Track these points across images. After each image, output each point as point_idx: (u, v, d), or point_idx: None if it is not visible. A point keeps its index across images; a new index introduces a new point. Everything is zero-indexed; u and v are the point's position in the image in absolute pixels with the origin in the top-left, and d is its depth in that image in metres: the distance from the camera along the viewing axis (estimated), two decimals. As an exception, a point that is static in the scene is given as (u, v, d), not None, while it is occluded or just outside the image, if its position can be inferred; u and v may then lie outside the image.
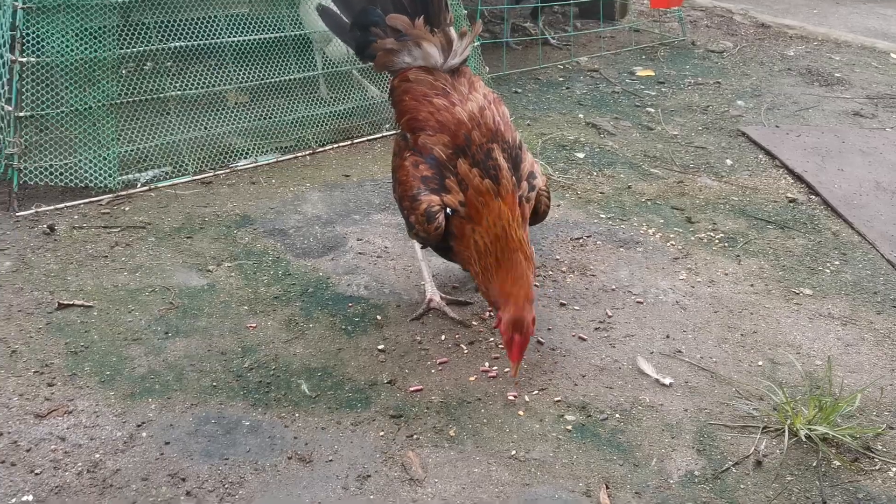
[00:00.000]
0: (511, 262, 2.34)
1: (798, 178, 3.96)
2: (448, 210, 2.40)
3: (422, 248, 2.74)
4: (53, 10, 3.17)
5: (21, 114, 3.14)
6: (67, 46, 3.21)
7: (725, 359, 2.58)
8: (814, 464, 2.15)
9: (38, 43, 3.17)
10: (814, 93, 5.38)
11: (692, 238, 3.34)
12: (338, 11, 2.76)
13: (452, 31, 2.59)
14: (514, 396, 2.34)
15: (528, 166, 2.51)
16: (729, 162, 4.15)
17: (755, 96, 5.20)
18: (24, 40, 3.13)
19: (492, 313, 2.73)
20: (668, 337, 2.67)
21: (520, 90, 5.06)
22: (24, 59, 3.13)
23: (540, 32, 6.00)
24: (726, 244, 3.31)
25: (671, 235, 3.35)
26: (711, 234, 3.39)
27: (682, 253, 3.22)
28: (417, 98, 2.54)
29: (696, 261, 3.16)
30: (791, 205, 3.69)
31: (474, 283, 2.87)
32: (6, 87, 3.16)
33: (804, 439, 2.21)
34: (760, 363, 2.56)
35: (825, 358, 2.58)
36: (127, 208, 3.28)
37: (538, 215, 2.57)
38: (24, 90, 3.14)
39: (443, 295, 2.76)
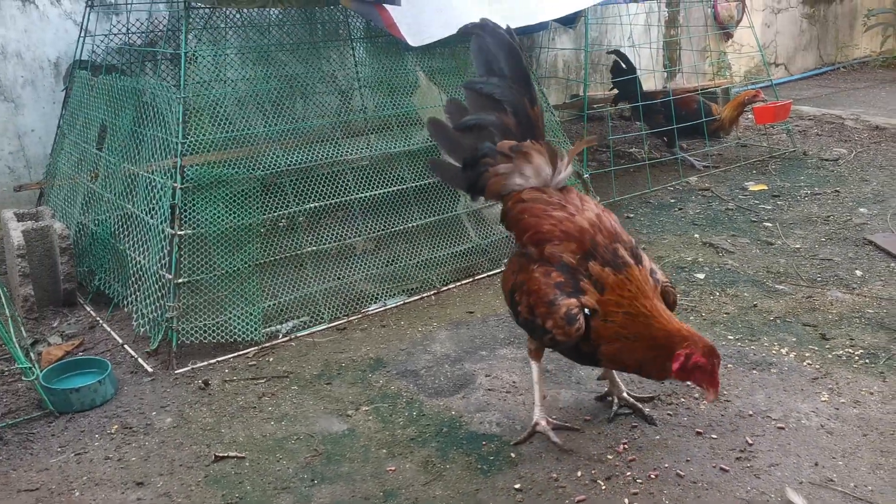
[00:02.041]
0: (656, 309, 2.46)
1: (938, 284, 3.78)
2: (586, 311, 2.49)
3: (539, 367, 2.81)
4: (206, 187, 3.59)
5: (179, 280, 3.51)
6: (218, 217, 3.60)
7: (883, 487, 2.43)
8: None
9: (192, 216, 3.58)
10: (943, 192, 5.18)
11: (829, 356, 3.23)
12: (450, 161, 2.97)
13: (554, 147, 2.79)
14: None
15: (649, 263, 2.63)
16: (859, 273, 4.02)
17: (878, 202, 5.06)
18: (181, 215, 3.54)
19: (626, 446, 2.72)
20: (816, 465, 2.56)
21: (632, 214, 5.15)
22: (182, 232, 3.53)
23: (646, 156, 6.13)
24: (867, 360, 3.17)
25: (806, 354, 3.25)
26: (850, 350, 3.26)
27: (820, 372, 3.11)
28: (537, 214, 2.71)
29: (838, 380, 3.04)
30: (934, 314, 3.52)
31: (606, 415, 2.89)
32: (166, 258, 3.56)
33: None
34: (923, 490, 2.40)
35: None
36: (271, 359, 3.53)
37: (669, 306, 2.63)
38: (181, 259, 3.52)
39: (549, 419, 2.79)
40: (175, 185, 3.56)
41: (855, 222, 4.73)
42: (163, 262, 3.59)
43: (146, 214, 3.79)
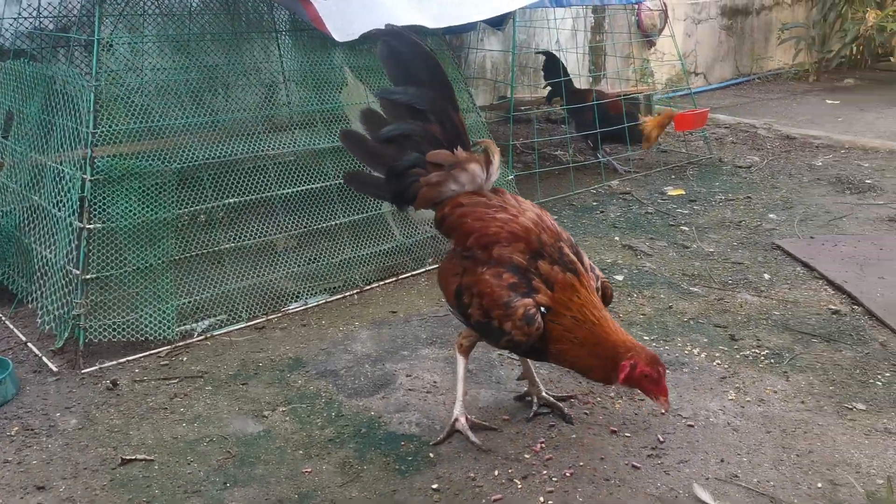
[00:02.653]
0: (605, 318, 2.53)
1: (838, 288, 3.97)
2: (542, 309, 2.52)
3: (465, 363, 2.83)
4: (119, 179, 3.46)
5: (87, 276, 3.36)
6: (130, 210, 3.47)
7: (783, 482, 2.53)
8: (888, 592, 2.08)
9: (103, 209, 3.43)
10: (846, 201, 5.44)
11: (737, 356, 3.35)
12: (371, 172, 2.92)
13: (487, 152, 2.82)
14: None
15: (587, 260, 2.70)
16: (767, 276, 4.19)
17: (787, 208, 5.28)
18: (90, 208, 3.40)
19: (543, 445, 2.76)
20: (722, 461, 2.65)
21: (556, 217, 5.18)
22: (92, 226, 3.39)
23: (570, 160, 6.24)
24: (772, 360, 3.30)
25: (716, 354, 3.36)
26: (756, 350, 3.39)
27: (728, 372, 3.22)
28: (481, 217, 2.71)
29: (744, 379, 3.16)
30: (834, 316, 3.69)
31: (524, 414, 2.91)
32: (74, 253, 3.41)
33: (875, 566, 2.14)
34: (820, 485, 2.51)
35: (886, 476, 2.52)
36: (184, 358, 3.42)
37: (606, 299, 2.73)
38: (90, 254, 3.38)
39: (468, 417, 2.80)
40: (85, 176, 3.42)
41: (765, 227, 4.93)
42: (70, 256, 3.43)
43: (54, 207, 3.62)
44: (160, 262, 3.56)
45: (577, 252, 2.66)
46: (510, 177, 4.91)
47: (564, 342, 2.54)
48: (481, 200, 2.76)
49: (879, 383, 3.12)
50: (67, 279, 3.43)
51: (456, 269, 2.75)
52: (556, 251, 2.61)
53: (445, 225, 2.81)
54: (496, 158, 2.81)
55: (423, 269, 4.36)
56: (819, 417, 2.89)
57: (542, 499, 2.48)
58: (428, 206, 2.85)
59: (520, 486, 2.55)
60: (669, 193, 5.69)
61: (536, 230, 2.64)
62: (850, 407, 2.95)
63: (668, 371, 3.20)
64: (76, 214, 3.42)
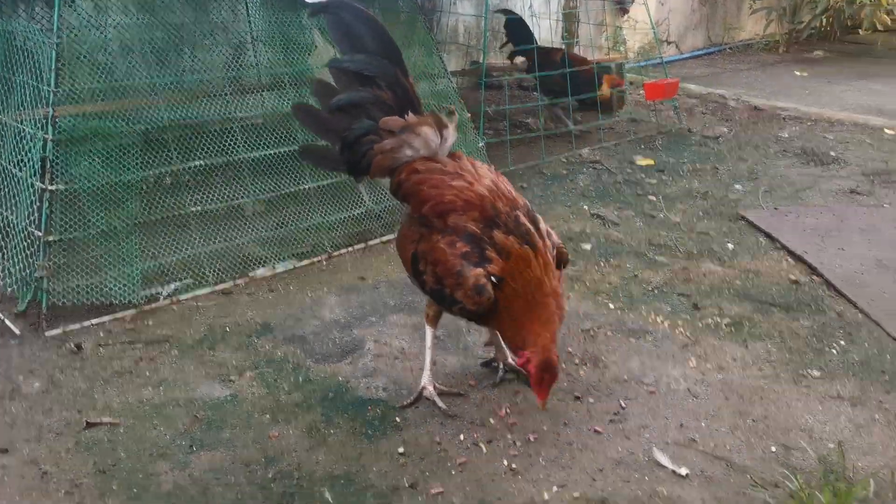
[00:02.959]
0: (542, 305, 2.53)
1: (799, 259, 4.06)
2: (493, 279, 2.53)
3: (433, 332, 2.87)
4: (81, 140, 3.39)
5: (50, 238, 3.31)
6: (94, 172, 3.41)
7: (739, 446, 2.61)
8: (834, 552, 2.17)
9: (66, 170, 3.37)
10: (810, 173, 5.53)
11: (699, 324, 3.42)
12: (324, 144, 2.92)
13: (439, 115, 2.80)
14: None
15: (544, 226, 2.70)
16: (731, 246, 4.26)
17: (752, 179, 5.36)
18: (52, 169, 3.33)
19: (509, 410, 2.80)
20: (681, 426, 2.72)
21: (525, 185, 5.24)
22: (54, 188, 3.32)
23: (542, 128, 6.24)
24: (733, 329, 3.38)
25: (679, 323, 3.42)
26: (718, 319, 3.46)
27: (690, 340, 3.29)
28: (436, 184, 2.70)
29: (705, 347, 3.23)
30: (794, 286, 3.77)
31: (490, 380, 2.96)
32: (36, 215, 3.35)
33: (823, 527, 2.22)
34: (773, 449, 2.59)
35: (837, 441, 2.61)
36: (150, 322, 3.40)
37: (562, 264, 2.75)
38: (52, 216, 3.32)
39: (436, 384, 2.84)
40: (46, 136, 3.34)
41: (731, 198, 5.00)
42: (32, 218, 3.37)
43: (14, 167, 3.54)
44: (125, 224, 3.51)
45: (533, 218, 2.66)
46: (480, 144, 4.90)
47: (500, 312, 2.58)
48: (437, 167, 2.74)
49: (834, 351, 3.21)
50: (29, 241, 3.37)
51: (413, 235, 2.77)
52: (511, 220, 2.60)
53: (402, 192, 2.80)
54: (452, 122, 2.81)
55: (392, 236, 4.35)
56: (775, 384, 2.97)
57: (506, 462, 2.53)
58: (384, 174, 2.84)
59: (484, 451, 2.60)
60: (639, 163, 5.73)
61: (491, 198, 2.63)
62: (805, 374, 3.04)
63: (634, 339, 3.27)
64: (38, 175, 3.35)
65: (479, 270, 2.54)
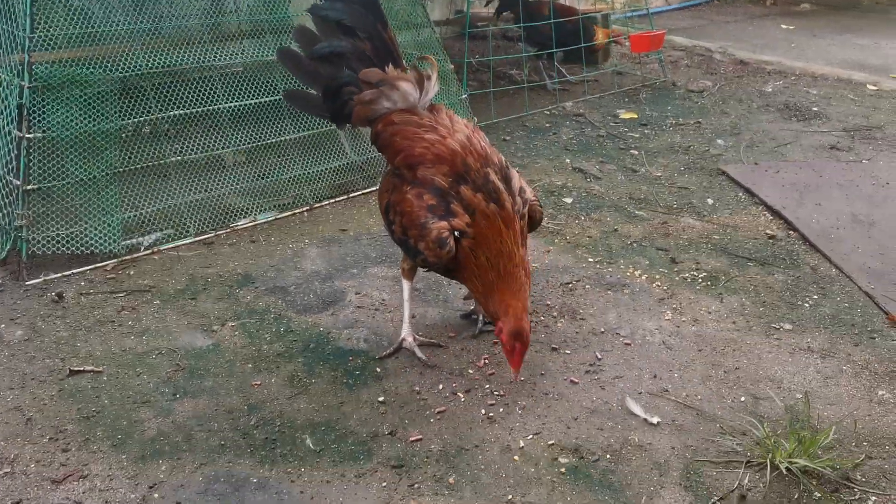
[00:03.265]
0: (512, 276, 2.56)
1: (777, 214, 4.11)
2: (456, 233, 2.56)
3: (410, 285, 2.91)
4: (59, 87, 3.34)
5: (29, 187, 3.29)
6: (71, 120, 3.37)
7: (710, 396, 2.69)
8: (796, 496, 2.26)
9: (43, 118, 3.33)
10: (792, 128, 5.56)
11: (676, 278, 3.47)
12: (308, 90, 2.92)
13: (420, 70, 2.79)
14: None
15: (517, 182, 2.71)
16: (710, 201, 4.30)
17: (734, 134, 5.38)
18: (30, 117, 3.29)
19: (487, 361, 2.86)
20: (655, 377, 2.79)
21: (508, 137, 5.23)
22: (31, 136, 3.29)
23: (525, 80, 6.20)
24: (709, 283, 3.44)
25: (656, 276, 3.48)
26: (695, 273, 3.52)
27: (667, 293, 3.34)
28: (409, 137, 2.72)
29: (681, 300, 3.29)
30: (770, 241, 3.83)
31: (470, 331, 3.01)
32: (14, 163, 3.32)
33: (786, 472, 2.31)
34: (743, 399, 2.67)
35: (804, 391, 2.70)
36: (132, 272, 3.41)
37: (534, 222, 2.78)
38: (31, 164, 3.29)
39: (416, 336, 2.89)
40: (23, 83, 3.29)
41: (712, 153, 5.02)
42: (10, 166, 3.34)
43: (-10, 114, 3.49)
44: (104, 174, 3.49)
45: (505, 176, 2.67)
46: (464, 95, 4.87)
47: (472, 276, 2.62)
48: (413, 119, 2.74)
49: (807, 305, 3.28)
50: (8, 189, 3.34)
51: (388, 185, 2.81)
52: (481, 176, 2.60)
53: (379, 142, 2.84)
54: (433, 76, 2.79)
55: (374, 188, 4.34)
56: (748, 337, 3.04)
57: (483, 411, 2.60)
58: (364, 123, 2.87)
59: (463, 399, 2.66)
60: (622, 117, 5.72)
61: (463, 153, 2.63)
62: (777, 327, 3.11)
63: (611, 292, 3.32)
64: (15, 123, 3.31)
65: (443, 224, 2.57)
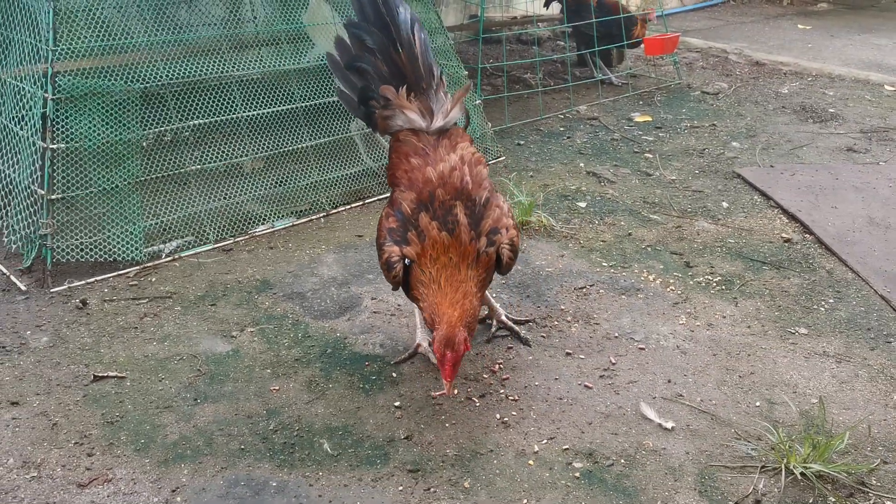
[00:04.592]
0: (453, 288, 2.52)
1: (792, 217, 4.10)
2: (406, 261, 2.62)
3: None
4: (81, 98, 3.41)
5: (53, 196, 3.36)
6: (94, 130, 3.44)
7: (725, 401, 2.70)
8: (810, 501, 2.27)
9: (66, 129, 3.40)
10: (808, 130, 5.54)
11: (691, 282, 3.49)
12: (349, 93, 3.01)
13: (433, 97, 2.81)
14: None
15: (492, 223, 2.65)
16: (725, 204, 4.31)
17: (750, 137, 5.37)
18: (53, 127, 3.36)
19: (501, 365, 2.89)
20: (669, 381, 2.81)
21: (522, 142, 5.26)
22: (55, 146, 3.36)
23: (540, 83, 6.23)
24: (724, 287, 3.45)
25: (671, 281, 3.49)
26: (709, 277, 3.53)
27: (681, 298, 3.36)
28: (400, 157, 2.80)
29: (695, 305, 3.30)
30: (786, 245, 3.83)
31: (483, 337, 3.04)
32: (38, 173, 3.39)
33: (800, 477, 2.32)
34: (758, 404, 2.68)
35: (819, 396, 2.70)
36: (153, 279, 3.47)
37: (501, 264, 2.70)
38: (54, 174, 3.37)
39: (430, 341, 2.93)
40: (46, 94, 3.37)
41: (727, 156, 5.02)
42: (35, 176, 3.42)
43: (16, 125, 3.57)
44: (126, 182, 3.56)
45: (479, 214, 2.61)
46: (477, 101, 4.91)
47: (419, 295, 2.61)
48: (411, 140, 2.81)
49: (823, 309, 3.28)
50: (32, 199, 3.42)
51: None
52: (444, 208, 2.59)
53: (389, 155, 2.93)
54: (447, 105, 2.80)
55: (388, 194, 4.39)
56: (763, 341, 3.05)
57: (498, 416, 2.63)
58: (387, 133, 2.96)
59: (477, 404, 2.69)
60: (636, 120, 5.73)
61: (435, 183, 2.63)
62: (792, 331, 3.12)
63: (625, 297, 3.34)
64: (38, 133, 3.39)
65: (395, 248, 2.63)
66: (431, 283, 2.57)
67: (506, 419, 2.61)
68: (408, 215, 2.64)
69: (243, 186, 4.03)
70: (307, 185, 4.18)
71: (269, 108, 4.08)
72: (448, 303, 2.52)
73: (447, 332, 2.46)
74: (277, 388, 2.77)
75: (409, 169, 2.73)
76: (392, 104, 2.82)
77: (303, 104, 4.18)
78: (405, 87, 2.80)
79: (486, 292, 3.09)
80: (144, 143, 3.78)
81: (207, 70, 3.90)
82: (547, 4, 6.78)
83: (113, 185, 3.51)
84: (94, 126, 3.45)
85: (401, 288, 2.74)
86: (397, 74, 2.83)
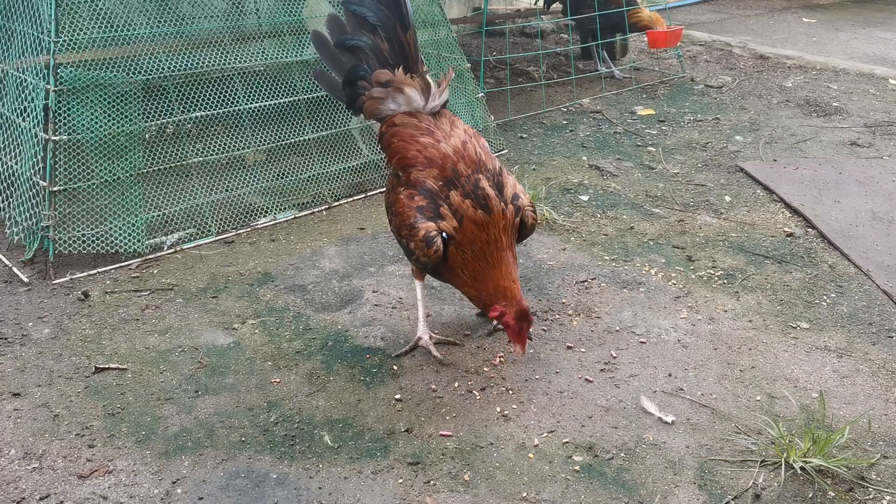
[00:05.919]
0: (502, 260, 2.62)
1: (795, 211, 4.09)
2: (444, 234, 2.62)
3: (422, 285, 2.97)
4: (83, 90, 3.41)
5: (55, 188, 3.36)
6: (96, 122, 3.44)
7: (725, 395, 2.70)
8: (810, 495, 2.27)
9: (68, 121, 3.40)
10: (811, 124, 5.52)
11: (692, 276, 3.48)
12: (332, 74, 3.02)
13: (429, 78, 2.86)
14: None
15: (511, 189, 2.74)
16: (728, 198, 4.30)
17: (753, 131, 5.35)
18: (55, 119, 3.36)
19: (502, 359, 2.89)
20: (670, 375, 2.80)
21: (525, 135, 5.25)
22: (57, 138, 3.36)
23: (542, 76, 6.21)
24: (725, 281, 3.44)
25: (672, 274, 3.49)
26: (711, 271, 3.52)
27: (682, 291, 3.35)
28: (405, 139, 2.80)
29: (697, 299, 3.30)
30: (788, 239, 3.82)
31: (485, 330, 3.04)
32: (40, 165, 3.39)
33: (800, 472, 2.32)
34: (759, 398, 2.68)
35: (820, 390, 2.70)
36: (155, 271, 3.48)
37: (526, 228, 2.79)
38: (56, 166, 3.37)
39: (431, 334, 2.93)
40: (48, 86, 3.36)
41: (730, 149, 5.01)
42: (37, 168, 3.42)
43: (18, 117, 3.57)
44: (128, 174, 3.56)
45: (498, 183, 2.70)
46: (480, 94, 4.90)
47: (457, 272, 2.67)
48: (412, 122, 2.81)
49: (824, 303, 3.28)
50: (34, 191, 3.42)
51: (388, 186, 2.91)
52: (471, 183, 2.65)
53: (382, 143, 2.92)
54: (443, 84, 2.86)
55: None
56: (764, 335, 3.05)
57: (498, 409, 2.63)
58: (372, 118, 2.96)
59: (478, 397, 2.69)
60: (639, 113, 5.72)
61: (454, 158, 2.69)
62: (794, 326, 3.11)
63: (627, 290, 3.34)
64: (41, 125, 3.39)
65: (431, 224, 2.63)
66: (478, 260, 2.61)
67: (506, 412, 2.61)
68: (435, 192, 2.67)
69: (245, 179, 4.03)
70: (309, 177, 4.18)
71: (271, 100, 4.07)
72: (503, 276, 2.60)
73: (519, 307, 2.59)
74: (278, 380, 2.77)
75: (423, 147, 2.73)
76: (390, 84, 2.81)
77: (305, 96, 4.18)
78: (402, 67, 2.82)
79: None
80: (146, 135, 3.78)
81: (210, 62, 3.90)
82: (547, 5, 6.74)
83: (115, 177, 3.51)
84: (97, 118, 3.45)
85: (428, 273, 2.77)
86: (400, 53, 2.84)
